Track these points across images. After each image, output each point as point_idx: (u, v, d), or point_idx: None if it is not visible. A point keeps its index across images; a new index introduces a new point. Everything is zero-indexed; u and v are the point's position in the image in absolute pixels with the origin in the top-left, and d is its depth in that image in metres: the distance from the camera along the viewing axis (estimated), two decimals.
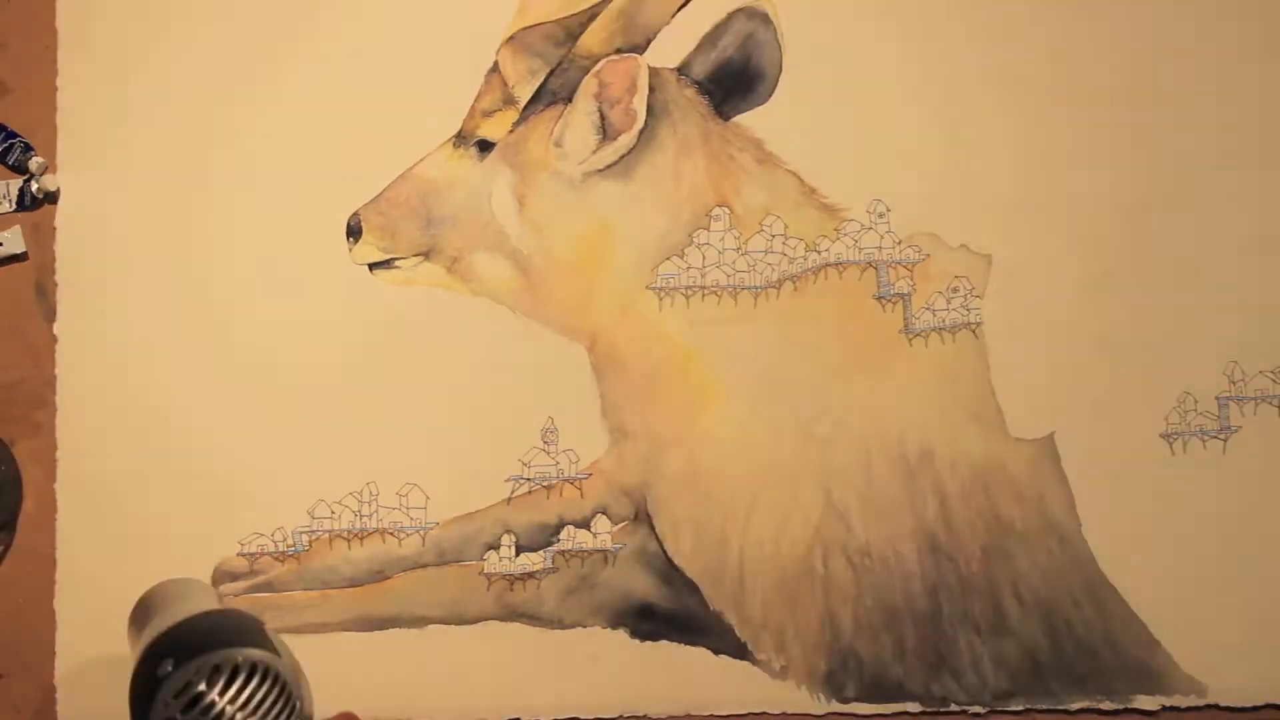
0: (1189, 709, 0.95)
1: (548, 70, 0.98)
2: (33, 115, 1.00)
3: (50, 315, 0.98)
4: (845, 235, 0.98)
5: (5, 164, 0.99)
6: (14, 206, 0.99)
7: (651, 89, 0.97)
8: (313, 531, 0.97)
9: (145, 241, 0.98)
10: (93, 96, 0.99)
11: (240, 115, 0.99)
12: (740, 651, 0.96)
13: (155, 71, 0.99)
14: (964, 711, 0.95)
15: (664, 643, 0.96)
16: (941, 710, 0.95)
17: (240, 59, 1.00)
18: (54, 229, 0.99)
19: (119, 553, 0.96)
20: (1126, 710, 0.95)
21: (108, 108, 0.99)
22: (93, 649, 0.96)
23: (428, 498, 0.97)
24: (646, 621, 0.96)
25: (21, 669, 0.96)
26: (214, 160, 0.99)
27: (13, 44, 1.00)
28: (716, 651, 0.96)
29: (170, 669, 0.74)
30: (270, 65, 0.99)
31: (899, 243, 0.99)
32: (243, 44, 1.00)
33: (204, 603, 0.83)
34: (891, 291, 0.98)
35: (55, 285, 0.98)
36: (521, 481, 0.97)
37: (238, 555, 0.96)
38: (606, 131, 0.98)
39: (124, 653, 0.94)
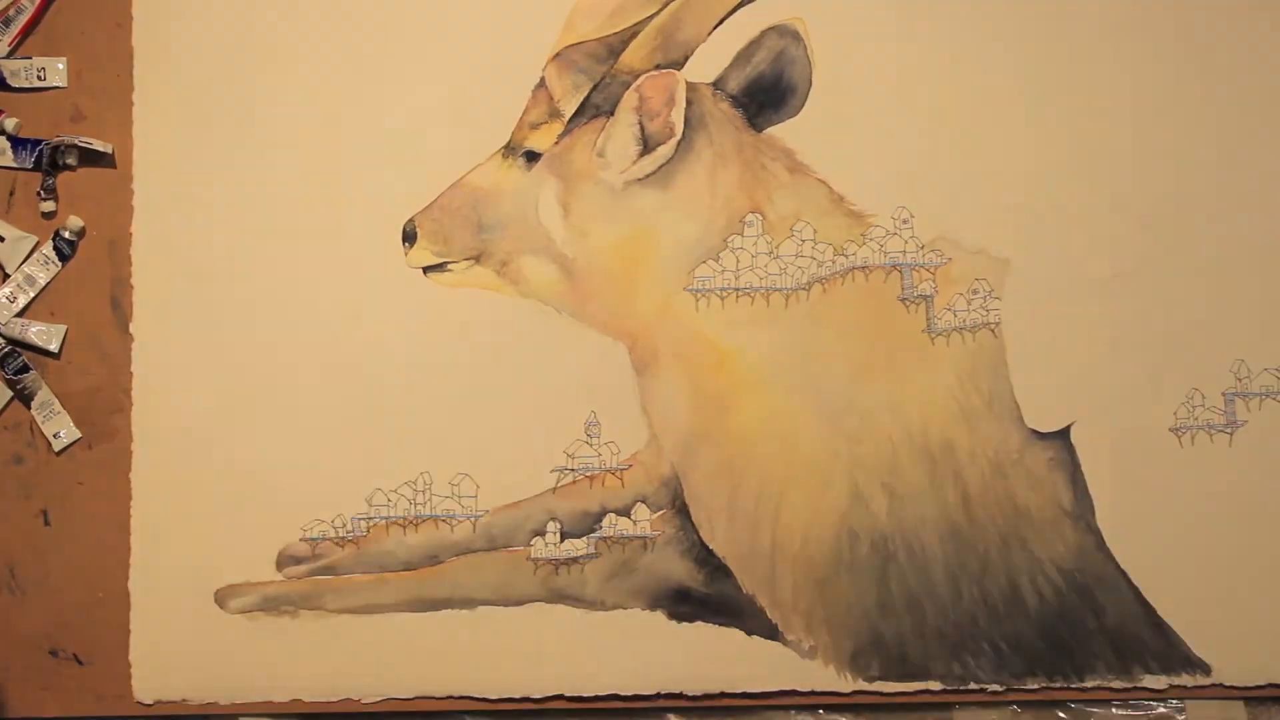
0: (1195, 687, 0.97)
1: (591, 85, 1.00)
2: (109, 137, 1.01)
3: (124, 325, 1.00)
4: (871, 240, 1.00)
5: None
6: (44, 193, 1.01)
7: (689, 103, 0.99)
8: (370, 518, 0.99)
9: (215, 252, 1.00)
10: (167, 118, 1.01)
11: (304, 131, 1.01)
12: (771, 633, 0.98)
13: (225, 92, 1.01)
14: (983, 689, 0.97)
15: (699, 624, 0.98)
16: (961, 689, 0.97)
17: (304, 80, 1.01)
18: (129, 244, 1.00)
19: (191, 540, 0.98)
20: (1136, 688, 0.97)
21: (181, 129, 1.01)
22: (166, 631, 0.98)
23: (478, 487, 0.99)
24: (683, 604, 0.98)
25: (102, 657, 0.99)
26: (280, 172, 1.01)
27: (86, 72, 1.02)
28: (749, 633, 0.98)
29: None
30: (334, 85, 1.01)
31: (922, 247, 1.00)
32: (308, 65, 1.01)
33: None
34: (915, 293, 1.00)
35: (131, 297, 1.00)
36: (566, 472, 0.99)
37: (300, 540, 0.99)
38: (646, 143, 0.99)
39: (195, 635, 0.98)
